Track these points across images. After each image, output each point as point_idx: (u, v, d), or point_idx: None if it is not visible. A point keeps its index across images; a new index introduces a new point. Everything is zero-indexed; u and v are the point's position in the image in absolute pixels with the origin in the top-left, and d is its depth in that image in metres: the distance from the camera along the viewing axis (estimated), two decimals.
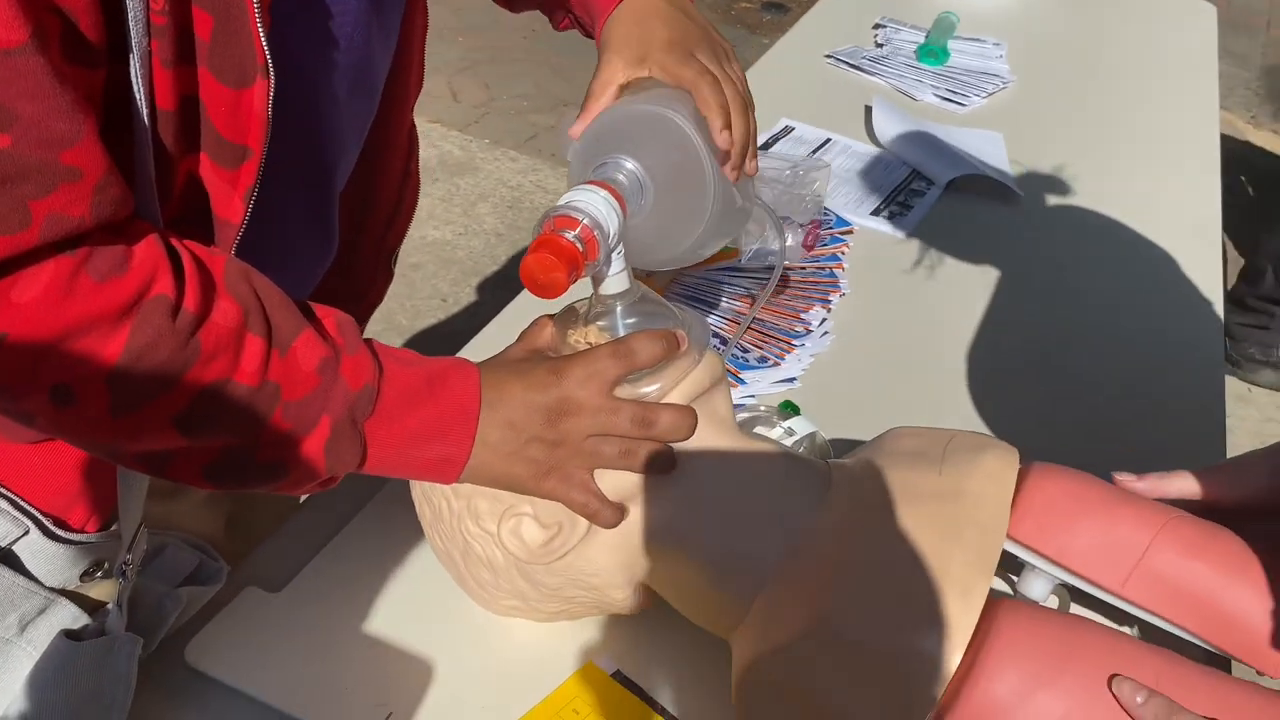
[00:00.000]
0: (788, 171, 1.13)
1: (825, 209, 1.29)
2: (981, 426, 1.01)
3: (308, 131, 0.63)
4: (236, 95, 0.52)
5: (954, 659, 0.54)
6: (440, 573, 0.74)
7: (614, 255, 0.62)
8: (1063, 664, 0.54)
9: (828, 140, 1.47)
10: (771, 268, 1.16)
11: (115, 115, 0.49)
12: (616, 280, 0.63)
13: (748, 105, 0.71)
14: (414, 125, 0.83)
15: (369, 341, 0.58)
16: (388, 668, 0.71)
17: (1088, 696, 0.54)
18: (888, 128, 1.47)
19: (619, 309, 0.64)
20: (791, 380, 1.03)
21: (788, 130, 1.49)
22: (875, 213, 1.31)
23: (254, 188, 0.55)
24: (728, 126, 0.69)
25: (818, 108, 1.54)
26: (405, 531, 0.76)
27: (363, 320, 0.90)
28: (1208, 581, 0.61)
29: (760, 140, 1.45)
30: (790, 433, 0.89)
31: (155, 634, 0.67)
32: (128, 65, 0.48)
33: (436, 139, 3.00)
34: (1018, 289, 1.20)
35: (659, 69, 0.69)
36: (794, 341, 1.07)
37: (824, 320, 1.11)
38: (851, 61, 1.69)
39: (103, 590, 0.62)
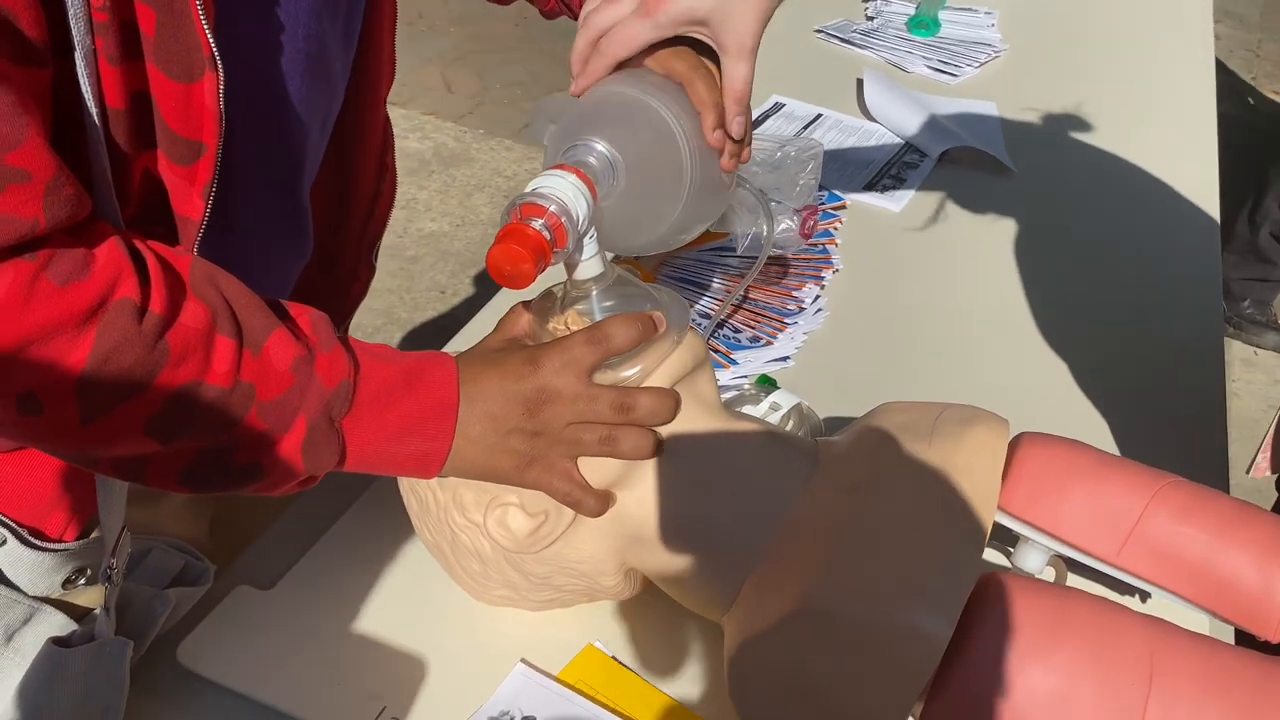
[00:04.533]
0: (778, 153, 1.11)
1: (821, 188, 1.28)
2: (977, 398, 0.99)
3: (265, 124, 0.63)
4: (186, 90, 0.51)
5: (945, 635, 0.53)
6: (431, 565, 0.74)
7: (586, 240, 0.61)
8: (1055, 638, 0.54)
9: (819, 115, 1.46)
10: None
11: (66, 115, 0.48)
12: (590, 265, 0.62)
13: (742, 101, 0.68)
14: (388, 118, 0.82)
15: (344, 338, 0.57)
16: (381, 662, 0.70)
17: (1081, 670, 0.53)
18: (879, 101, 1.46)
19: (595, 293, 0.63)
20: (785, 359, 1.02)
21: (779, 106, 1.48)
22: (868, 187, 1.30)
23: (212, 183, 0.54)
24: (720, 125, 0.67)
25: (809, 83, 1.53)
26: (396, 525, 0.76)
27: (348, 315, 0.90)
28: (1201, 547, 0.60)
29: (752, 117, 1.44)
30: (775, 407, 0.88)
31: (146, 636, 0.66)
32: (74, 64, 0.47)
33: (431, 131, 2.99)
34: (1012, 259, 1.19)
35: (651, 58, 0.67)
36: (786, 320, 1.06)
37: (817, 297, 1.10)
38: (842, 35, 1.67)
39: (89, 596, 0.62)
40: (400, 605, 0.74)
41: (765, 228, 0.86)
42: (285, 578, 0.74)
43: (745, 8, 0.62)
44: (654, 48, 0.67)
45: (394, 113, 3.10)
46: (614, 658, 0.71)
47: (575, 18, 0.76)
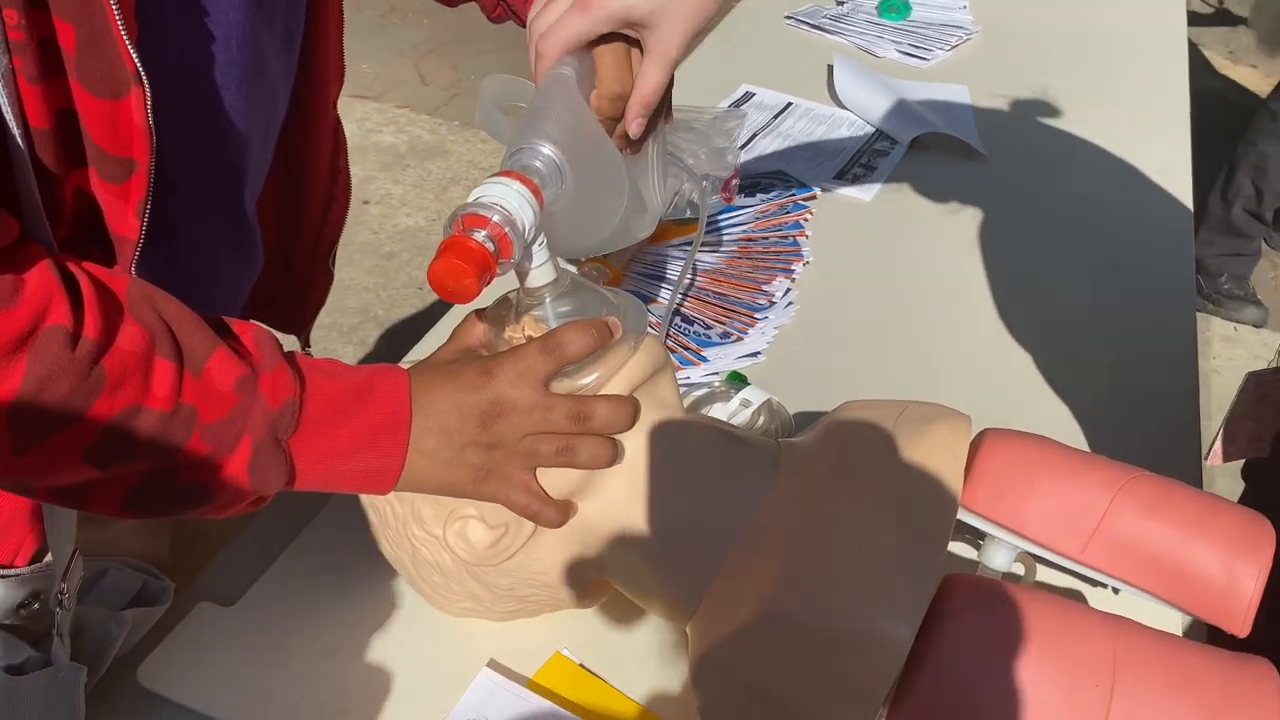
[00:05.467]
0: (702, 121, 1.11)
1: (786, 174, 1.27)
2: (950, 389, 0.99)
3: (201, 137, 0.61)
4: (113, 107, 0.49)
5: (907, 641, 0.53)
6: (395, 577, 0.73)
7: (535, 247, 0.59)
8: (1017, 641, 0.53)
9: (789, 104, 1.45)
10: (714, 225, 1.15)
11: None
12: (541, 272, 0.61)
13: (648, 106, 0.66)
14: (339, 121, 0.81)
15: (291, 355, 0.56)
16: (347, 675, 0.69)
17: (1044, 671, 0.52)
18: (849, 87, 1.45)
19: (549, 299, 0.62)
20: (756, 354, 1.01)
21: (749, 96, 1.46)
22: (839, 176, 1.29)
23: (146, 200, 0.53)
24: (610, 116, 0.65)
25: (779, 71, 1.52)
26: (358, 537, 0.75)
27: (309, 322, 0.88)
28: (1167, 542, 0.59)
29: (722, 107, 1.43)
30: (746, 403, 0.88)
31: (103, 658, 0.65)
32: None
33: (405, 124, 2.96)
34: (984, 246, 1.18)
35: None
36: (756, 315, 1.05)
37: (788, 290, 1.09)
38: (812, 22, 1.66)
39: (42, 621, 0.61)
40: (365, 617, 0.73)
41: (696, 195, 0.85)
42: (247, 594, 0.73)
43: (678, 17, 0.62)
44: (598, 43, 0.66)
45: (366, 107, 3.07)
46: (582, 665, 0.71)
47: (523, 24, 0.75)
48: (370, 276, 2.40)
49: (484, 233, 0.53)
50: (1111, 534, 0.60)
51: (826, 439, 0.64)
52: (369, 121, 2.95)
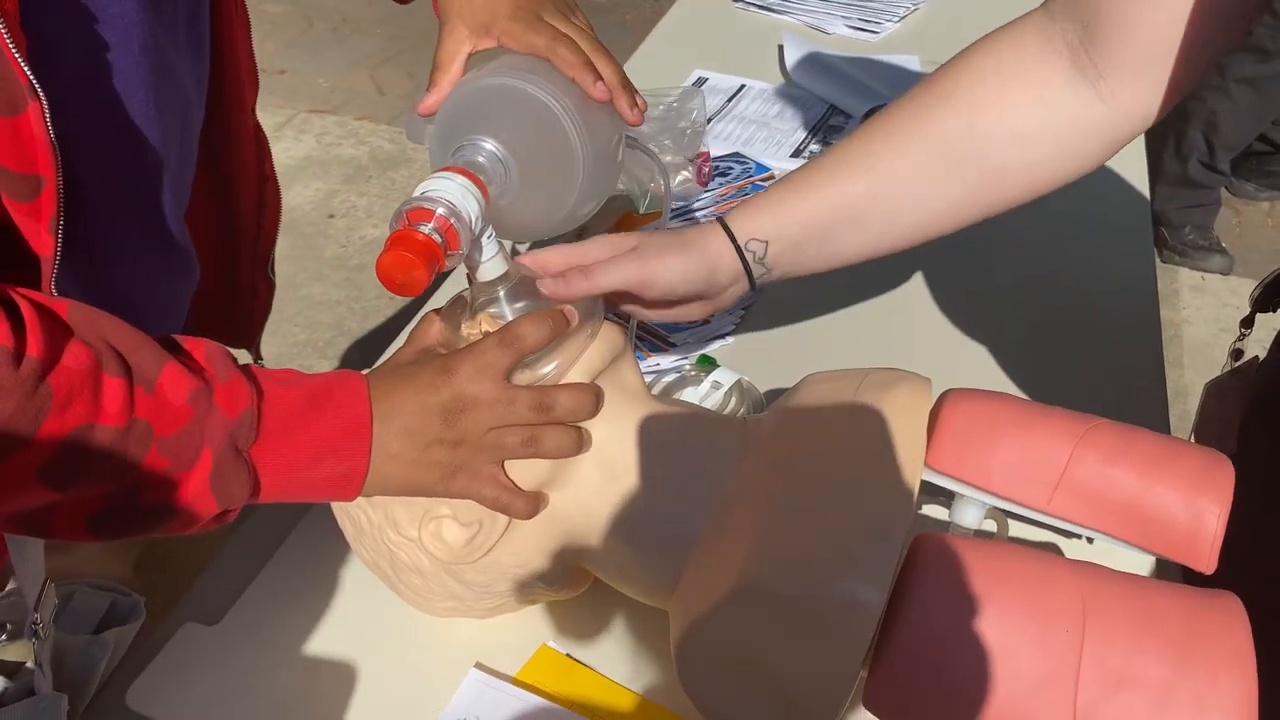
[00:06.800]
0: (661, 106, 1.11)
1: (743, 156, 1.28)
2: (918, 354, 1.00)
3: (111, 147, 0.60)
4: (13, 123, 0.49)
5: (878, 603, 0.53)
6: (376, 583, 0.73)
7: (485, 241, 0.60)
8: (987, 594, 0.54)
9: (742, 86, 1.45)
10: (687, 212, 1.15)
11: None
12: (492, 265, 0.61)
13: (606, 51, 0.70)
14: (259, 126, 0.81)
15: (246, 367, 0.56)
16: (336, 684, 0.70)
17: (1014, 622, 0.53)
18: (801, 65, 1.45)
19: (503, 294, 0.63)
20: (724, 336, 1.02)
21: (701, 81, 1.47)
22: (796, 154, 1.29)
23: (58, 217, 0.52)
24: (599, 78, 0.68)
25: (730, 54, 1.52)
26: (337, 548, 0.75)
27: (257, 332, 0.88)
28: (1130, 487, 0.60)
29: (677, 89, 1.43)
30: (717, 385, 0.89)
31: (89, 684, 0.65)
32: None
33: (366, 135, 2.95)
34: None
35: (508, 37, 0.67)
36: None
37: None
38: (760, 3, 1.66)
39: (17, 652, 0.61)
40: (349, 625, 0.73)
41: (662, 182, 0.86)
42: (230, 612, 0.73)
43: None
44: (515, 34, 0.67)
45: (326, 121, 3.05)
46: (569, 655, 0.71)
47: (437, 14, 0.75)
48: (341, 290, 2.39)
49: (430, 225, 0.54)
50: (1075, 483, 0.61)
51: (790, 412, 0.64)
52: (329, 135, 2.94)
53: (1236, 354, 0.83)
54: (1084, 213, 1.18)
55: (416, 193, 0.56)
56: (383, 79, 3.23)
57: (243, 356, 0.64)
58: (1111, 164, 1.25)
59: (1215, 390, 0.78)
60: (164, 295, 0.70)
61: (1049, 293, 1.07)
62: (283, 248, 2.54)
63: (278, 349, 2.21)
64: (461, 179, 0.57)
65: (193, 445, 0.52)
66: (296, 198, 2.67)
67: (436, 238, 0.54)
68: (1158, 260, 2.64)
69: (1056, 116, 0.66)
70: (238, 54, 0.72)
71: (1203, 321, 2.39)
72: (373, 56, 3.31)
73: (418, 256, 0.53)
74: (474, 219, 0.56)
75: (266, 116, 3.00)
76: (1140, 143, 1.32)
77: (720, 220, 0.72)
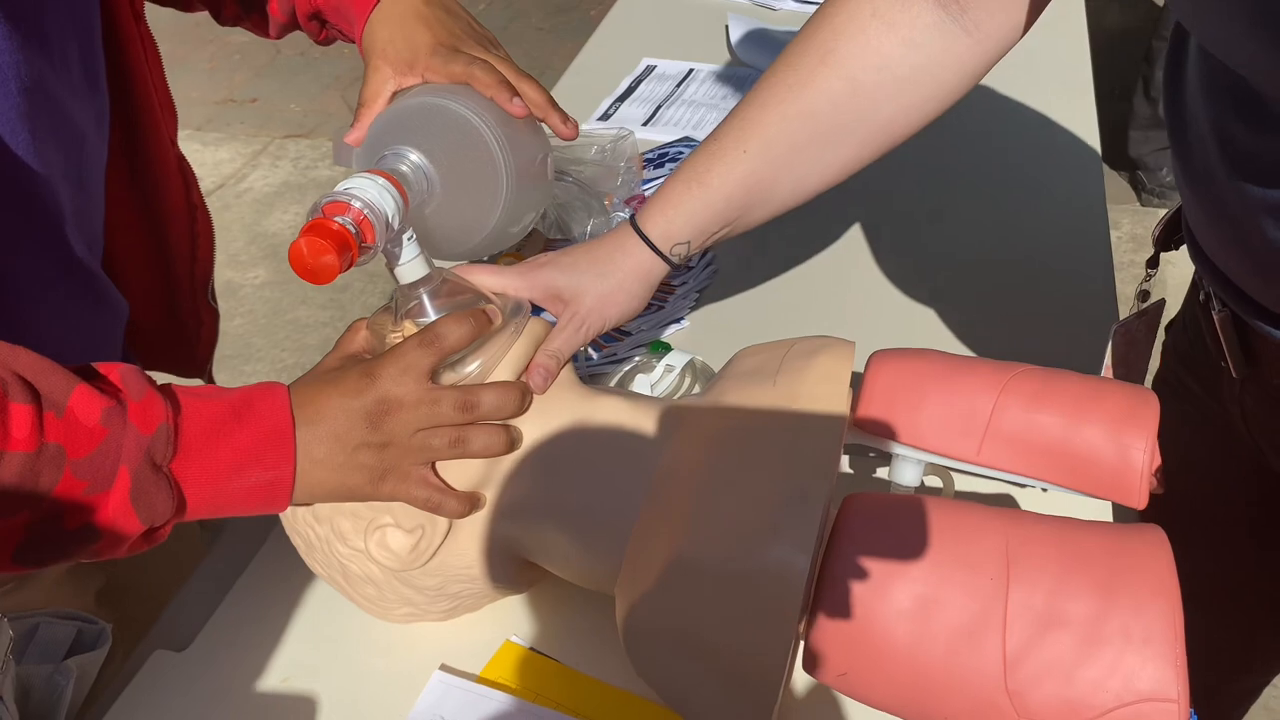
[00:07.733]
0: (595, 149, 1.12)
1: (693, 140, 1.28)
2: (875, 321, 1.00)
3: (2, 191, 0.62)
4: None
5: (802, 567, 0.54)
6: (336, 596, 0.74)
7: (406, 241, 0.61)
8: (911, 547, 0.54)
9: (690, 71, 1.45)
10: None
11: None
12: (413, 267, 0.63)
13: (530, 77, 0.72)
14: (182, 157, 0.82)
15: (165, 386, 0.57)
16: (305, 700, 0.71)
17: (940, 572, 0.54)
18: (745, 42, 1.46)
19: (426, 298, 0.64)
20: (679, 320, 1.03)
21: (650, 70, 1.47)
22: None
23: None
24: (516, 95, 0.69)
25: (677, 40, 1.52)
26: (301, 566, 0.76)
27: (206, 359, 0.89)
28: (1056, 430, 0.61)
29: (624, 85, 1.44)
30: (670, 368, 0.89)
31: (57, 714, 0.66)
32: None
33: None
34: (893, 175, 1.19)
35: (430, 72, 0.70)
36: (674, 282, 1.06)
37: (706, 253, 1.10)
38: None
39: None
40: (314, 641, 0.74)
41: (594, 222, 0.88)
42: (199, 637, 0.74)
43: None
44: (436, 68, 0.70)
45: (300, 145, 3.05)
46: (532, 648, 0.72)
47: (349, 40, 0.77)
48: (326, 312, 2.41)
49: (345, 217, 0.56)
50: (1001, 432, 0.61)
51: (717, 388, 0.65)
52: (304, 159, 2.95)
53: (1143, 295, 0.83)
54: (1036, 174, 1.18)
55: (335, 189, 0.58)
56: (354, 99, 3.22)
57: None
58: (1061, 115, 1.26)
59: (1124, 334, 0.78)
60: (87, 331, 0.71)
61: (1002, 252, 1.07)
62: (265, 273, 2.57)
63: (266, 374, 2.23)
64: (381, 179, 0.59)
65: (108, 464, 0.52)
66: (276, 223, 2.68)
67: (350, 228, 0.55)
68: (1138, 204, 2.63)
69: (929, 56, 0.68)
70: (149, 86, 0.73)
71: (1184, 263, 2.37)
72: (342, 78, 3.32)
73: (329, 242, 0.54)
74: (391, 215, 0.58)
75: (241, 145, 3.04)
76: (1089, 86, 1.33)
77: (634, 226, 0.71)
